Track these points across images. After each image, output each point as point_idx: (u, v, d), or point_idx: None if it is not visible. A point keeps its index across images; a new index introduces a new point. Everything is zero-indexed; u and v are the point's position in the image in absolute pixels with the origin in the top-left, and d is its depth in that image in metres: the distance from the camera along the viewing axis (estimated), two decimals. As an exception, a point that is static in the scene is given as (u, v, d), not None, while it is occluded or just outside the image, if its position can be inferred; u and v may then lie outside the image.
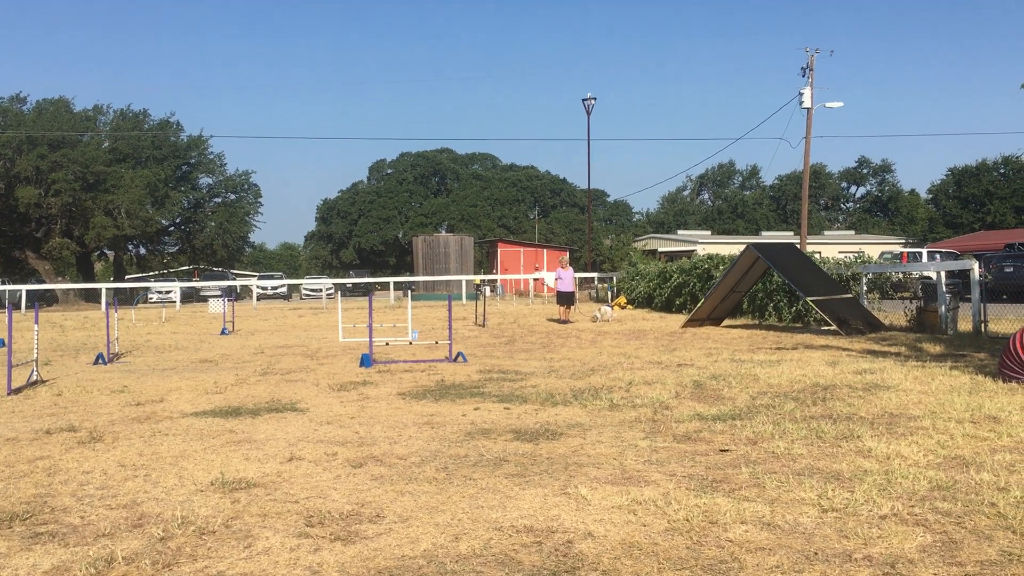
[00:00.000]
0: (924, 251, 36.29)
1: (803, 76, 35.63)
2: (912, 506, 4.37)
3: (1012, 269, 23.73)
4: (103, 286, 37.84)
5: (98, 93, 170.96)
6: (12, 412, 8.13)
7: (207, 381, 10.27)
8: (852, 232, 69.26)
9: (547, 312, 25.94)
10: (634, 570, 3.59)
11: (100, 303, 36.65)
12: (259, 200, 57.38)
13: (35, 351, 10.81)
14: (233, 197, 56.25)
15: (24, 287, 36.06)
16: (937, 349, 12.15)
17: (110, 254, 55.78)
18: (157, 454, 6.06)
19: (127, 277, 56.04)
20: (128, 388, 9.72)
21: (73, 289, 43.70)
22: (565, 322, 20.70)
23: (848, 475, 5.02)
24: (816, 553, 3.74)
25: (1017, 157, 71.00)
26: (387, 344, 13.39)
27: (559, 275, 21.63)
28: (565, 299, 21.40)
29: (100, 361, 12.85)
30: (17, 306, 33.54)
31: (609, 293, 30.71)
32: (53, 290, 42.51)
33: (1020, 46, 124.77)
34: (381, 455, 5.88)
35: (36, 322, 11.45)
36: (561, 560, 3.74)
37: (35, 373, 10.48)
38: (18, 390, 9.60)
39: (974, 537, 3.91)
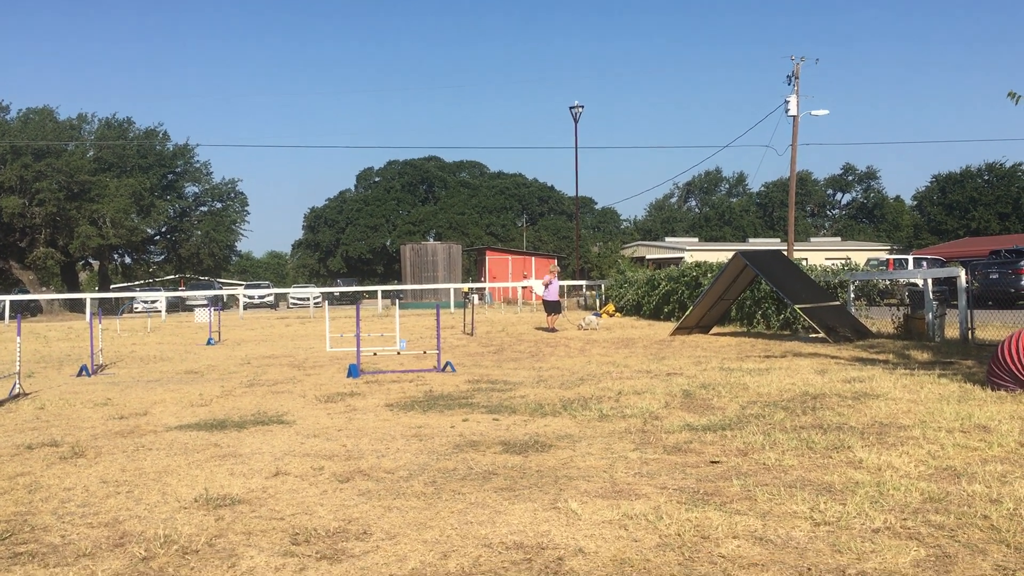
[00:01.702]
0: (910, 258, 36.45)
1: (789, 84, 35.68)
2: (905, 519, 4.33)
3: (997, 276, 23.85)
4: (88, 296, 37.54)
5: (82, 102, 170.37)
6: (-7, 426, 8.00)
7: (192, 393, 10.16)
8: (838, 239, 69.61)
9: (536, 320, 25.90)
10: (626, 588, 3.54)
11: (84, 313, 36.37)
12: (246, 209, 57.30)
13: (17, 363, 10.68)
14: (219, 206, 56.11)
15: (8, 297, 35.75)
16: (925, 356, 12.17)
17: (95, 263, 55.44)
18: (140, 470, 5.96)
19: (112, 287, 55.64)
20: (112, 401, 9.60)
21: (57, 299, 43.37)
22: (553, 330, 20.66)
23: (840, 487, 4.98)
24: (809, 569, 3.70)
25: (1001, 164, 71.64)
26: (375, 354, 13.31)
27: (546, 282, 21.61)
28: (552, 307, 21.37)
29: (84, 373, 12.70)
30: (0, 317, 33.24)
31: (597, 301, 30.70)
32: (37, 300, 42.17)
33: (1004, 53, 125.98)
34: (368, 469, 5.80)
35: (19, 333, 11.32)
36: (551, 578, 3.68)
37: (17, 386, 10.34)
38: None
39: (968, 551, 3.88)
